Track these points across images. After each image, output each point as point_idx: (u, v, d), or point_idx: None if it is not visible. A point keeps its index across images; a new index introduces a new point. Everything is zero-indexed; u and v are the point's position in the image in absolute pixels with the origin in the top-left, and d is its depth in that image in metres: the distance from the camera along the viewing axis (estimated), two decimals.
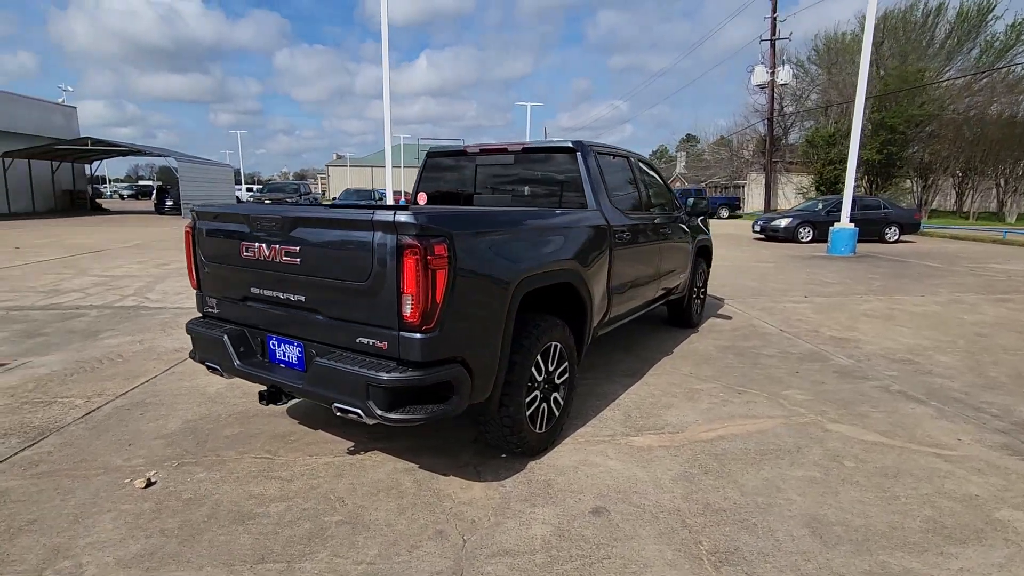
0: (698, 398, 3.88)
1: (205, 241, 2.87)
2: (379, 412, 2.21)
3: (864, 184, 30.26)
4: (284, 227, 2.47)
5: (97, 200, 34.27)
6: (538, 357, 2.86)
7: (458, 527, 2.37)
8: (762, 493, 2.66)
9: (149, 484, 2.68)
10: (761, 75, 29.81)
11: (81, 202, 30.32)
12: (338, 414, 2.37)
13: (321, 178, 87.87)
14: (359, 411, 2.26)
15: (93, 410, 3.54)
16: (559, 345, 3.05)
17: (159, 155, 29.82)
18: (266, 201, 25.27)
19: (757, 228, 17.53)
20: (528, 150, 3.90)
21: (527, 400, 2.81)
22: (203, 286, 2.98)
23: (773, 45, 28.98)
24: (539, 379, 2.91)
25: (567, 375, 3.18)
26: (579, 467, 2.90)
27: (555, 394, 3.10)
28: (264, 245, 2.53)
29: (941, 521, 2.44)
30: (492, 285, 2.47)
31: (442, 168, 4.38)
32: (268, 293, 2.62)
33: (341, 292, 2.35)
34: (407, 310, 2.17)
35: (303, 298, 2.49)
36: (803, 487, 2.72)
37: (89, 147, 25.67)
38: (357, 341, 2.35)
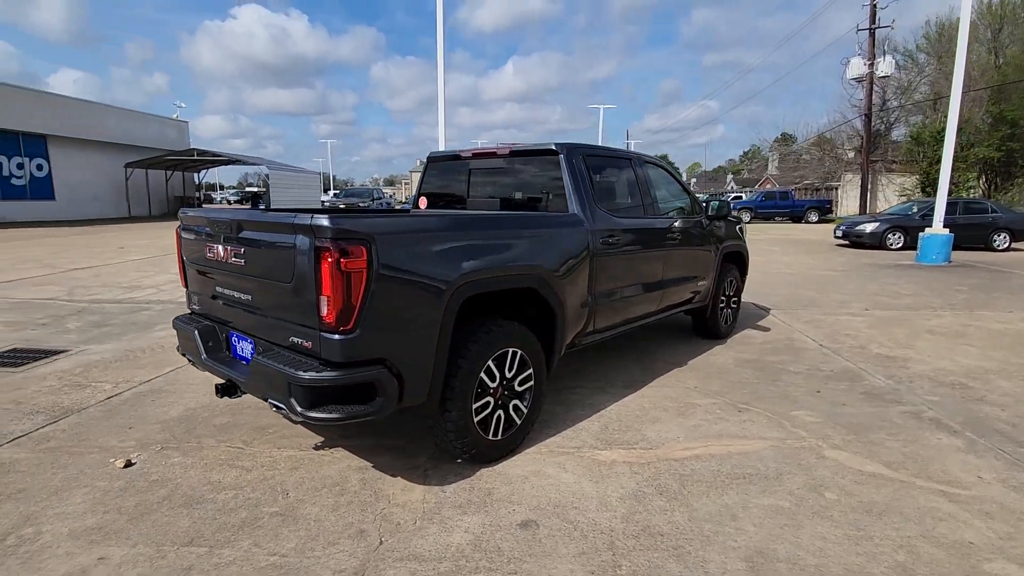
0: (690, 413, 3.65)
1: (185, 243, 3.11)
2: (299, 410, 2.29)
3: (982, 185, 27.09)
4: (232, 230, 2.62)
5: (206, 205, 37.86)
6: (490, 363, 2.83)
7: (381, 528, 2.39)
8: (713, 520, 2.45)
9: (129, 464, 2.93)
10: (858, 67, 27.55)
11: (189, 207, 33.64)
12: (273, 410, 2.47)
13: (405, 183, 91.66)
14: (285, 408, 2.35)
15: (114, 395, 3.92)
16: (519, 352, 2.99)
17: (254, 164, 32.47)
18: (340, 205, 26.68)
19: (839, 233, 16.16)
20: (516, 153, 3.85)
21: (476, 406, 2.78)
22: (188, 284, 3.22)
23: (872, 34, 26.71)
24: (492, 385, 2.87)
25: (532, 383, 3.11)
26: (529, 477, 2.82)
27: (516, 402, 3.04)
28: (220, 247, 2.70)
29: (912, 569, 2.14)
30: (422, 289, 2.47)
31: (440, 172, 4.44)
32: (227, 292, 2.79)
33: (276, 292, 2.46)
34: (324, 311, 2.23)
35: (250, 297, 2.62)
36: (763, 517, 2.48)
37: (195, 158, 28.48)
38: (290, 340, 2.44)
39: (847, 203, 34.29)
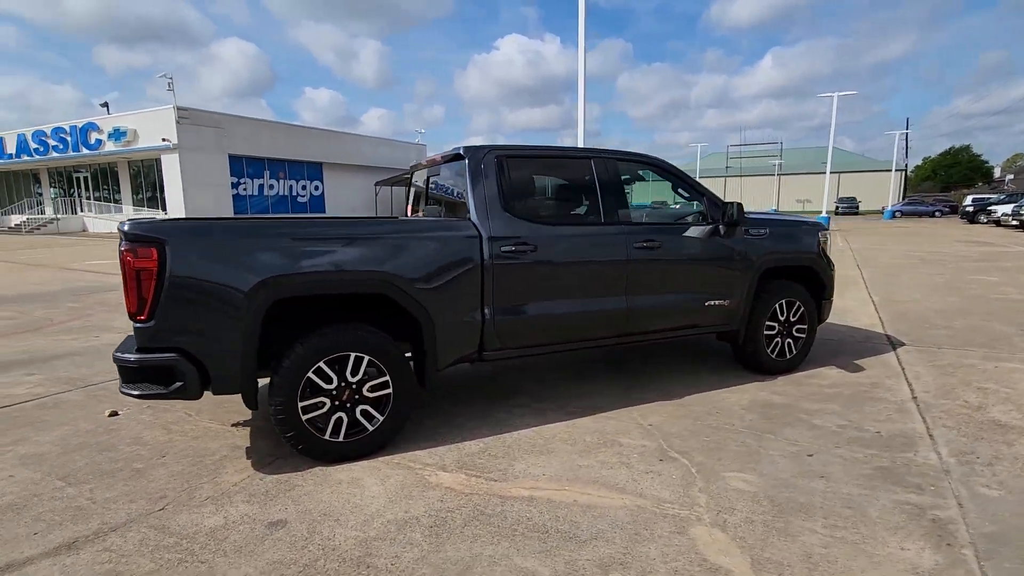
0: (596, 453, 3.12)
1: None
2: (120, 385, 2.73)
3: None
4: None
5: None
6: (323, 365, 2.90)
7: (179, 498, 2.68)
8: (440, 567, 2.14)
9: (114, 414, 3.79)
10: None
11: None
12: None
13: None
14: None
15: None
16: (368, 357, 3.00)
17: None
18: None
19: None
20: (446, 160, 3.77)
21: (305, 405, 2.89)
22: None
23: None
24: (328, 387, 2.94)
25: (389, 391, 3.07)
26: (343, 483, 2.82)
27: (366, 407, 3.04)
28: None
29: None
30: (222, 288, 2.69)
31: (416, 183, 4.57)
32: None
33: None
34: (126, 302, 2.63)
35: None
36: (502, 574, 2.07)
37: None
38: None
39: None
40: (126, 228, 2.60)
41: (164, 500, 2.66)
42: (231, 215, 27.08)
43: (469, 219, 3.38)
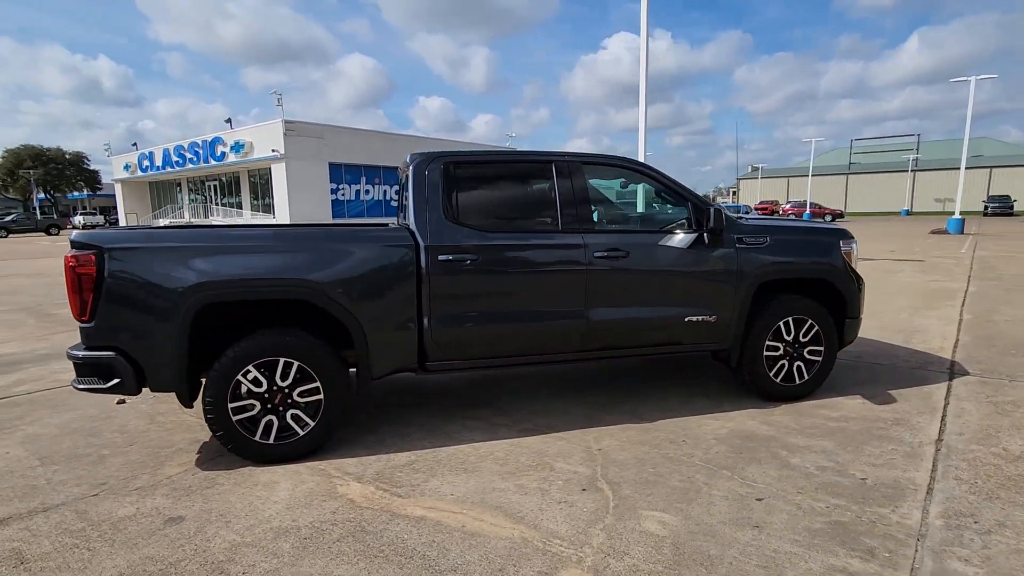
0: (519, 476, 2.95)
1: None
2: (73, 379, 3.01)
3: None
4: None
5: None
6: (252, 368, 3.01)
7: (119, 484, 2.90)
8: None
9: (121, 402, 4.20)
10: None
11: None
12: None
13: (731, 191, 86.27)
14: None
15: None
16: (297, 363, 3.07)
17: None
18: None
19: None
20: (404, 166, 3.75)
21: (234, 406, 3.01)
22: None
23: None
24: (257, 390, 3.04)
25: (320, 396, 3.12)
26: (260, 484, 2.90)
27: (297, 412, 3.11)
28: None
29: None
30: (154, 294, 2.87)
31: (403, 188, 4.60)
32: None
33: None
34: (70, 305, 2.89)
35: None
36: None
37: None
38: None
39: None
40: (72, 237, 2.87)
41: (103, 487, 2.90)
42: (326, 219, 29.21)
43: (408, 227, 3.35)
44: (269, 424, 3.09)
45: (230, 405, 3.01)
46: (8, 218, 39.13)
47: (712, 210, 3.59)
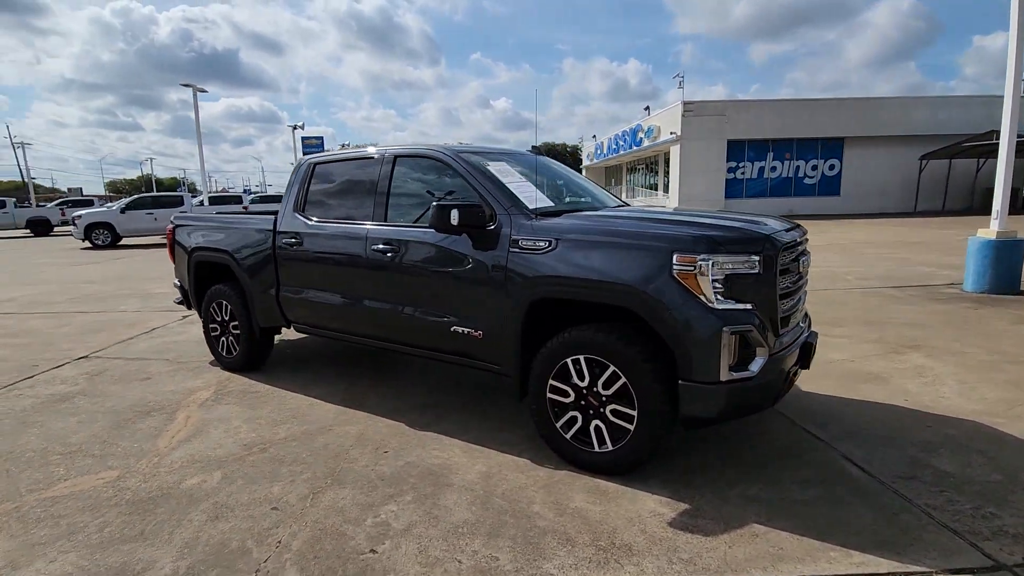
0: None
1: None
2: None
3: None
4: None
5: None
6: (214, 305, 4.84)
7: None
8: None
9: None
10: None
11: None
12: None
13: None
14: None
15: None
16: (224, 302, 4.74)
17: None
18: None
19: None
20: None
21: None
22: None
23: None
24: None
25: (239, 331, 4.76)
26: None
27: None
28: None
29: None
30: (183, 250, 4.99)
31: None
32: None
33: None
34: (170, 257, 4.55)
35: None
36: None
37: (994, 141, 23.09)
38: None
39: None
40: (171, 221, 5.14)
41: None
42: (718, 201, 27.66)
43: (276, 215, 4.37)
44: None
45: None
46: None
47: (444, 207, 3.01)
